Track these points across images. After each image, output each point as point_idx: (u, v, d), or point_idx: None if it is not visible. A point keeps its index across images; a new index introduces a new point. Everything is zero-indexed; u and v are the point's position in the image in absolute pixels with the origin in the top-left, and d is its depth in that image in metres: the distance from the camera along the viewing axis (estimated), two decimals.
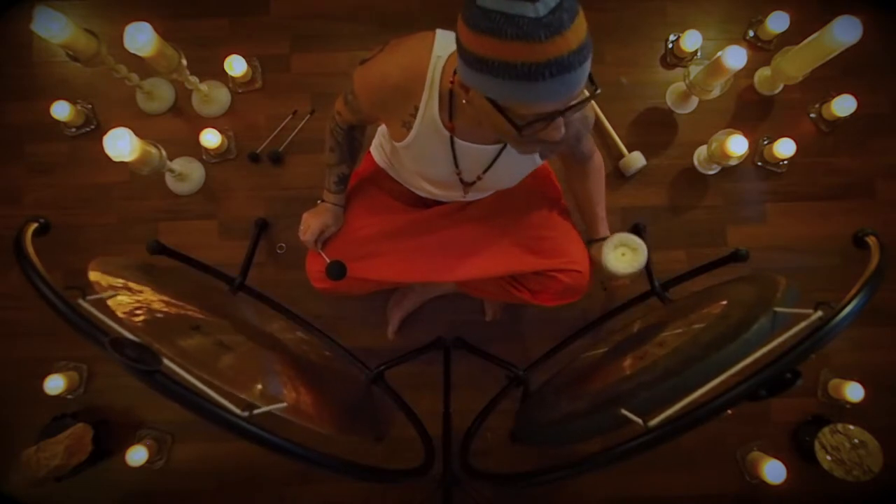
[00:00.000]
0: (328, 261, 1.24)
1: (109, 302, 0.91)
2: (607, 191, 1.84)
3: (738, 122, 1.88)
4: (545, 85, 0.71)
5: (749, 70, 1.80)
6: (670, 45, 1.90)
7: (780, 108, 1.89)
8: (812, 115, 1.88)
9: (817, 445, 1.60)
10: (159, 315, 1.01)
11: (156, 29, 1.54)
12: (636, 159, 1.83)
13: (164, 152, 1.67)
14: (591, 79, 0.77)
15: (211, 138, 1.78)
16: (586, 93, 0.80)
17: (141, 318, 0.93)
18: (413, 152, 1.10)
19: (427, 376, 1.76)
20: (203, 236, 1.86)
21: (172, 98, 1.90)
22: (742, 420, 1.79)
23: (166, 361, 0.77)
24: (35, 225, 0.99)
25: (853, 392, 1.67)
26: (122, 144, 1.49)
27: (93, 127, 1.88)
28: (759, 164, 1.86)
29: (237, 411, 0.78)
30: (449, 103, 0.98)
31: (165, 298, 1.09)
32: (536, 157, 1.10)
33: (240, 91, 1.91)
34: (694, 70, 1.74)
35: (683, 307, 1.33)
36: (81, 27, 1.56)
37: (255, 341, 1.23)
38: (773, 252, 1.84)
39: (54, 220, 1.05)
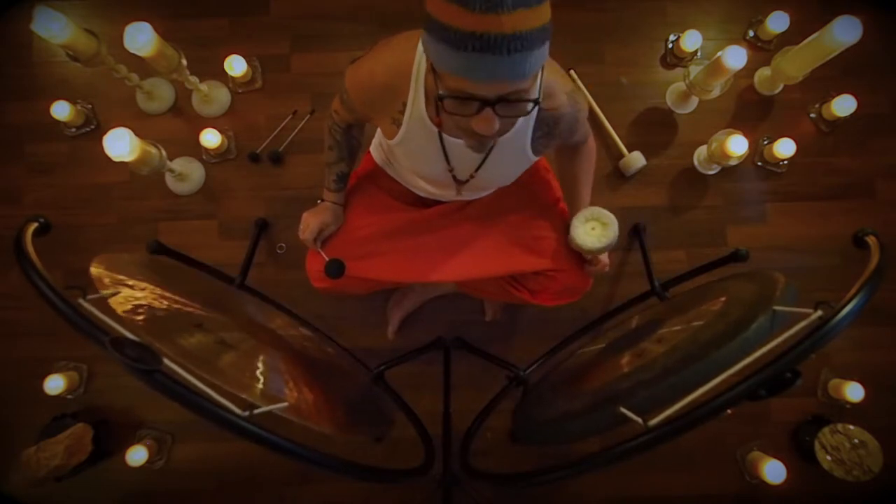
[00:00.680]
0: (327, 259, 1.23)
1: (110, 301, 0.91)
2: (607, 191, 1.87)
3: (738, 122, 1.88)
4: (467, 57, 0.70)
5: (749, 70, 1.80)
6: (670, 45, 1.90)
7: (780, 108, 1.89)
8: (812, 115, 1.88)
9: (817, 445, 1.60)
10: (161, 313, 1.01)
11: (156, 29, 1.54)
12: (636, 159, 1.83)
13: (164, 152, 1.67)
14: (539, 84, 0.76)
15: (211, 138, 1.78)
16: (527, 102, 0.78)
17: (142, 316, 0.93)
18: (405, 150, 1.11)
19: (427, 376, 1.76)
20: (203, 236, 1.86)
21: (172, 98, 1.90)
22: (742, 420, 1.79)
23: (167, 361, 0.77)
24: (35, 225, 0.99)
25: (853, 392, 1.67)
26: (122, 144, 1.49)
27: (93, 127, 1.88)
28: (759, 164, 1.86)
29: (237, 411, 0.78)
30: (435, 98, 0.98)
31: (168, 295, 1.09)
32: (530, 153, 1.08)
33: (240, 91, 1.91)
34: (694, 70, 1.74)
35: (682, 303, 1.33)
36: (81, 27, 1.56)
37: (258, 339, 1.23)
38: (773, 252, 1.84)
39: (54, 220, 1.05)
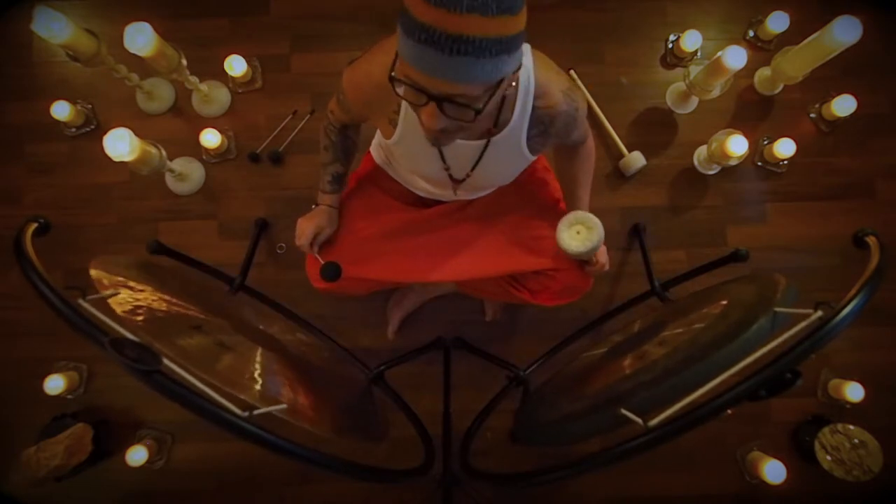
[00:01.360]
0: (322, 262, 1.23)
1: (110, 301, 0.91)
2: (607, 191, 1.87)
3: (738, 122, 1.88)
4: (414, 46, 0.70)
5: (749, 70, 1.80)
6: (670, 45, 1.90)
7: (780, 108, 1.89)
8: (812, 115, 1.88)
9: (817, 445, 1.60)
10: (160, 314, 1.01)
11: (156, 29, 1.54)
12: (636, 159, 1.83)
13: (164, 152, 1.67)
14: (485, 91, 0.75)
15: (211, 138, 1.78)
16: (471, 110, 0.77)
17: (141, 317, 0.93)
18: (402, 149, 1.11)
19: (427, 376, 1.76)
20: (203, 236, 1.86)
21: (172, 98, 1.90)
22: (742, 420, 1.79)
23: (166, 361, 0.77)
24: (35, 225, 0.99)
25: (853, 392, 1.67)
26: (122, 144, 1.49)
27: (93, 127, 1.88)
28: (759, 164, 1.86)
29: (237, 411, 0.78)
30: None
31: (167, 297, 1.09)
32: (527, 152, 1.07)
33: (240, 91, 1.91)
34: (694, 70, 1.75)
35: (683, 307, 1.33)
36: (81, 27, 1.56)
37: (256, 342, 1.23)
38: (773, 252, 1.84)
39: (54, 220, 1.05)
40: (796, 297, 0.91)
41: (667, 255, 1.84)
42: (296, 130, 1.88)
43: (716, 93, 1.74)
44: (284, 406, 0.88)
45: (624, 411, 0.84)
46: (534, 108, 1.00)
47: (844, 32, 1.47)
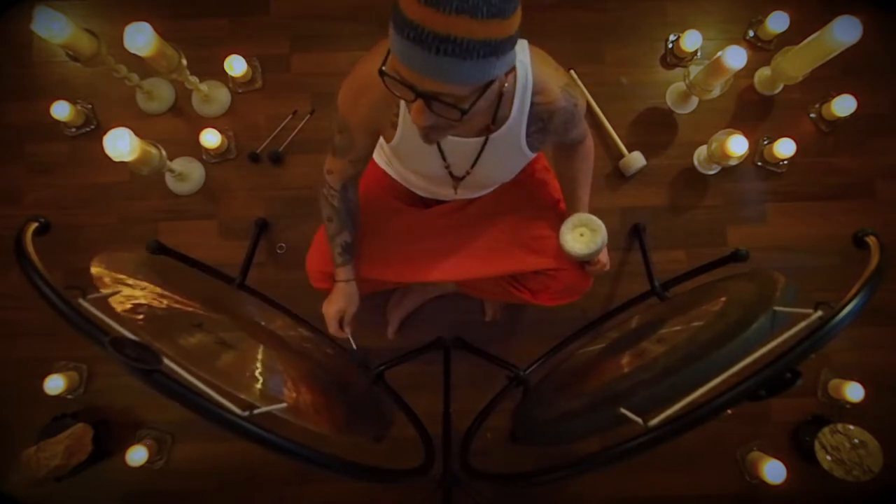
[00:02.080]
0: (355, 347, 1.26)
1: (110, 300, 0.91)
2: (607, 191, 1.87)
3: (738, 122, 1.88)
4: (402, 42, 0.71)
5: (749, 70, 1.80)
6: (670, 45, 1.90)
7: (780, 108, 1.89)
8: (812, 115, 1.88)
9: (817, 445, 1.60)
10: (160, 312, 1.01)
11: (156, 29, 1.54)
12: (636, 159, 1.83)
13: (164, 152, 1.67)
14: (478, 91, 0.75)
15: (211, 138, 1.78)
16: (458, 110, 0.76)
17: (142, 315, 0.93)
18: (403, 149, 1.11)
19: (427, 376, 1.76)
20: (203, 236, 1.86)
21: (172, 98, 1.90)
22: (742, 420, 1.79)
23: (166, 360, 0.77)
24: (35, 225, 0.99)
25: (853, 392, 1.67)
26: (122, 144, 1.49)
27: (93, 127, 1.88)
28: (759, 164, 1.86)
29: (237, 411, 0.78)
30: None
31: (167, 294, 1.09)
32: (526, 149, 1.07)
33: (240, 91, 1.91)
34: (694, 70, 1.75)
35: (682, 303, 1.33)
36: (81, 27, 1.56)
37: (257, 339, 1.23)
38: (773, 252, 1.84)
39: (54, 220, 1.05)
40: (795, 295, 0.91)
41: (667, 255, 1.84)
42: (296, 130, 1.89)
43: (716, 93, 1.74)
44: (285, 405, 0.88)
45: (624, 411, 0.84)
46: (532, 104, 1.00)
47: (844, 32, 1.47)
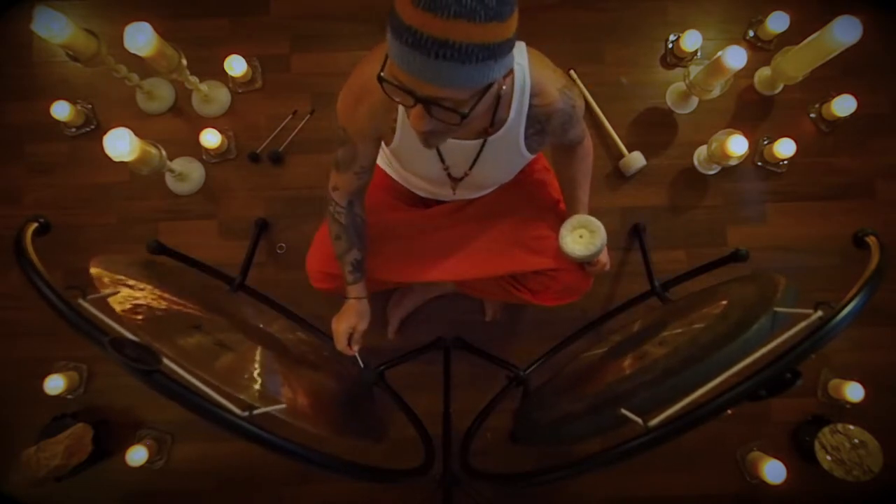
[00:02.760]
0: (362, 364, 1.25)
1: (110, 300, 0.91)
2: (607, 191, 1.87)
3: (738, 122, 1.88)
4: (400, 48, 0.70)
5: (749, 70, 1.80)
6: (670, 45, 1.90)
7: (780, 108, 1.89)
8: (812, 115, 1.88)
9: (817, 445, 1.60)
10: (159, 313, 1.01)
11: (156, 29, 1.54)
12: (636, 159, 1.83)
13: (164, 152, 1.67)
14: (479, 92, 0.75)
15: (211, 138, 1.78)
16: (457, 114, 0.76)
17: (141, 315, 0.93)
18: (402, 151, 1.11)
19: (427, 376, 1.76)
20: (203, 236, 1.86)
21: (172, 98, 1.90)
22: (742, 420, 1.79)
23: (166, 361, 0.77)
24: (35, 225, 0.99)
25: (853, 392, 1.67)
26: (122, 144, 1.49)
27: (93, 127, 1.88)
28: (759, 164, 1.86)
29: (237, 411, 0.78)
30: None
31: (167, 296, 1.09)
32: (525, 151, 1.07)
33: (240, 91, 1.91)
34: (694, 70, 1.75)
35: (683, 307, 1.33)
36: (81, 27, 1.56)
37: (255, 341, 1.23)
38: (773, 252, 1.84)
39: (54, 220, 1.04)
40: (796, 296, 0.91)
41: (667, 255, 1.84)
42: (296, 130, 1.88)
43: (716, 93, 1.74)
44: (284, 406, 0.88)
45: (624, 411, 0.84)
46: (530, 106, 1.00)
47: (844, 32, 1.47)
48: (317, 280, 1.35)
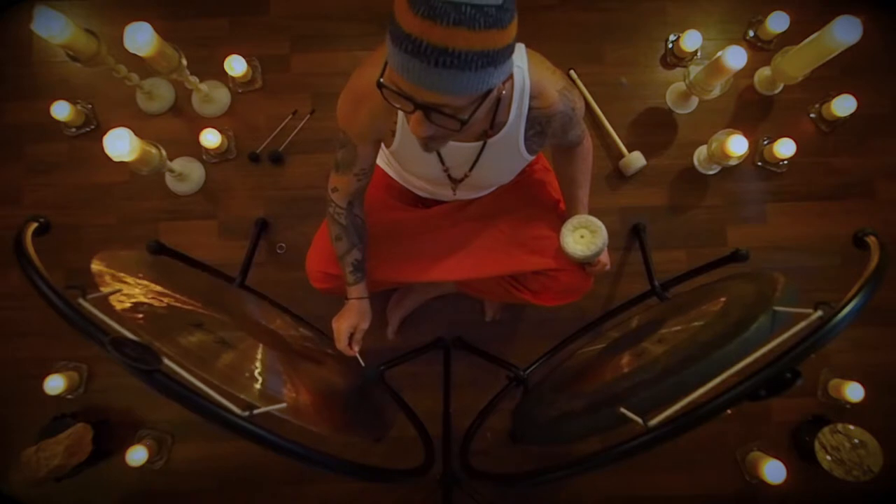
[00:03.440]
0: (363, 364, 1.25)
1: (110, 299, 0.91)
2: (607, 191, 1.87)
3: (738, 122, 1.88)
4: (400, 55, 0.70)
5: (749, 70, 1.80)
6: (670, 45, 1.90)
7: (780, 108, 1.89)
8: (812, 115, 1.88)
9: (817, 445, 1.60)
10: (160, 311, 1.01)
11: (156, 29, 1.54)
12: (636, 159, 1.83)
13: (164, 152, 1.67)
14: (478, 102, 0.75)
15: (211, 138, 1.78)
16: (457, 120, 0.77)
17: (142, 314, 0.93)
18: (402, 154, 1.11)
19: (427, 376, 1.76)
20: (203, 236, 1.86)
21: (172, 98, 1.90)
22: (742, 420, 1.79)
23: (166, 360, 0.77)
24: (35, 225, 0.99)
25: (853, 392, 1.67)
26: (122, 144, 1.49)
27: (93, 127, 1.88)
28: (759, 164, 1.86)
29: (237, 411, 0.78)
30: None
31: (168, 293, 1.09)
32: (525, 152, 1.07)
33: (240, 91, 1.91)
34: (694, 70, 1.75)
35: (682, 304, 1.33)
36: (81, 27, 1.56)
37: (257, 338, 1.23)
38: (773, 252, 1.84)
39: (54, 220, 1.05)
40: (796, 296, 0.91)
41: (667, 255, 1.84)
42: (296, 130, 1.89)
43: (716, 93, 1.74)
44: (284, 405, 0.88)
45: (624, 411, 0.84)
46: (530, 108, 1.00)
47: (844, 32, 1.48)
48: (317, 280, 1.35)
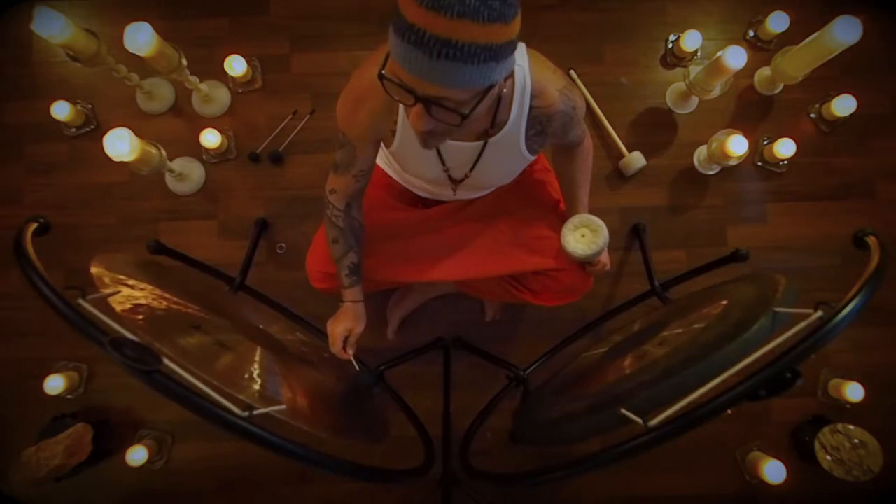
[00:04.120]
0: (358, 368, 1.25)
1: (110, 300, 0.91)
2: (607, 191, 1.87)
3: (738, 122, 1.88)
4: (403, 46, 0.70)
5: (749, 70, 1.80)
6: (670, 45, 1.90)
7: (780, 108, 1.89)
8: (812, 115, 1.88)
9: (817, 445, 1.60)
10: (160, 313, 1.01)
11: (156, 29, 1.54)
12: (636, 159, 1.83)
13: (164, 152, 1.67)
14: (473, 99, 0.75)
15: (211, 138, 1.78)
16: (458, 114, 0.77)
17: (141, 315, 0.93)
18: (402, 154, 1.11)
19: (427, 376, 1.76)
20: (203, 236, 1.86)
21: (172, 98, 1.90)
22: (742, 420, 1.79)
23: (166, 361, 0.77)
24: (35, 225, 0.99)
25: (853, 392, 1.67)
26: (122, 144, 1.49)
27: (93, 127, 1.88)
28: (759, 164, 1.86)
29: (237, 411, 0.78)
30: None
31: (167, 296, 1.09)
32: (525, 152, 1.07)
33: (240, 91, 1.91)
34: (694, 70, 1.75)
35: (683, 307, 1.33)
36: (81, 27, 1.56)
37: (255, 341, 1.23)
38: (773, 252, 1.84)
39: (54, 220, 1.05)
40: (796, 296, 0.91)
41: (667, 255, 1.84)
42: (296, 130, 1.88)
43: (716, 93, 1.74)
44: (283, 407, 0.88)
45: (624, 411, 0.84)
46: (531, 107, 1.00)
47: (844, 32, 1.47)
48: (317, 280, 1.35)
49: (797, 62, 1.66)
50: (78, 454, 1.61)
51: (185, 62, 1.68)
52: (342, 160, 1.11)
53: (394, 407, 1.59)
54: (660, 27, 1.92)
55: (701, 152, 1.84)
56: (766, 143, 1.84)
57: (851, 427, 1.60)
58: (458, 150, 1.06)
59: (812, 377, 1.79)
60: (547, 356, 1.69)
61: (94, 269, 0.96)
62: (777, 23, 1.80)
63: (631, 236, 1.85)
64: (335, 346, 1.26)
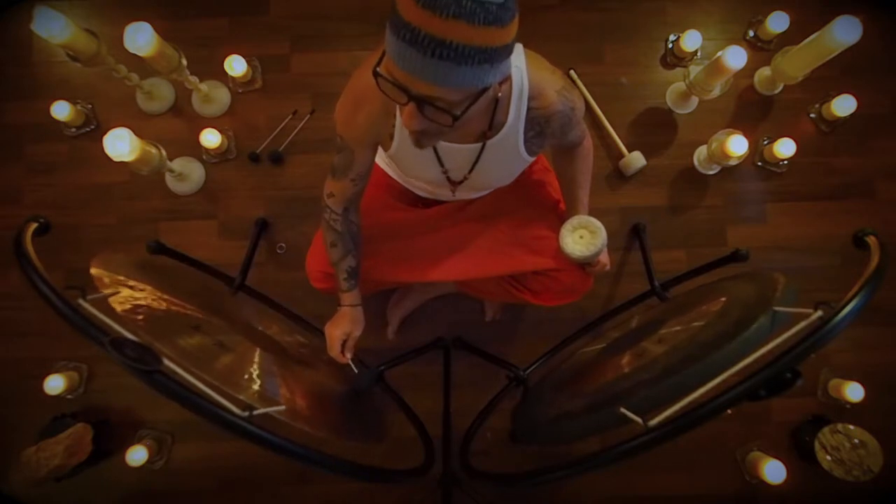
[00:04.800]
0: (356, 370, 1.25)
1: (110, 300, 0.91)
2: (607, 191, 1.87)
3: (738, 122, 1.88)
4: (398, 44, 0.71)
5: (749, 70, 1.80)
6: (670, 45, 1.90)
7: (780, 108, 1.89)
8: (812, 115, 1.88)
9: (817, 445, 1.60)
10: (159, 313, 1.01)
11: (156, 29, 1.54)
12: (636, 159, 1.83)
13: (164, 152, 1.67)
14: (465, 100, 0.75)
15: (211, 138, 1.78)
16: (450, 115, 0.77)
17: (141, 316, 0.93)
18: (400, 157, 1.11)
19: (427, 376, 1.76)
20: (203, 236, 1.86)
21: (172, 98, 1.90)
22: (742, 420, 1.79)
23: (166, 361, 0.77)
24: (35, 225, 0.99)
25: (853, 392, 1.67)
26: (122, 144, 1.49)
27: (93, 127, 1.88)
28: (759, 164, 1.86)
29: (237, 411, 0.78)
30: None
31: (166, 297, 1.09)
32: (524, 153, 1.07)
33: (240, 91, 1.91)
34: (694, 70, 1.75)
35: (682, 304, 1.33)
36: (81, 27, 1.56)
37: (254, 342, 1.23)
38: (773, 252, 1.84)
39: (54, 220, 1.05)
40: (795, 296, 0.91)
41: (667, 255, 1.84)
42: (296, 130, 1.89)
43: (716, 93, 1.74)
44: (283, 407, 0.88)
45: (624, 410, 0.84)
46: (529, 109, 0.99)
47: (844, 32, 1.47)
48: (317, 280, 1.35)
49: (797, 62, 1.66)
50: (78, 454, 1.61)
51: (185, 62, 1.68)
52: (340, 164, 1.11)
53: (394, 407, 1.59)
54: (660, 27, 1.92)
55: (701, 152, 1.84)
56: (766, 143, 1.84)
57: (851, 427, 1.60)
58: (457, 152, 1.06)
59: (812, 377, 1.79)
60: (547, 356, 1.69)
61: (93, 270, 0.96)
62: (777, 23, 1.80)
63: (631, 236, 1.85)
64: (333, 350, 1.26)
